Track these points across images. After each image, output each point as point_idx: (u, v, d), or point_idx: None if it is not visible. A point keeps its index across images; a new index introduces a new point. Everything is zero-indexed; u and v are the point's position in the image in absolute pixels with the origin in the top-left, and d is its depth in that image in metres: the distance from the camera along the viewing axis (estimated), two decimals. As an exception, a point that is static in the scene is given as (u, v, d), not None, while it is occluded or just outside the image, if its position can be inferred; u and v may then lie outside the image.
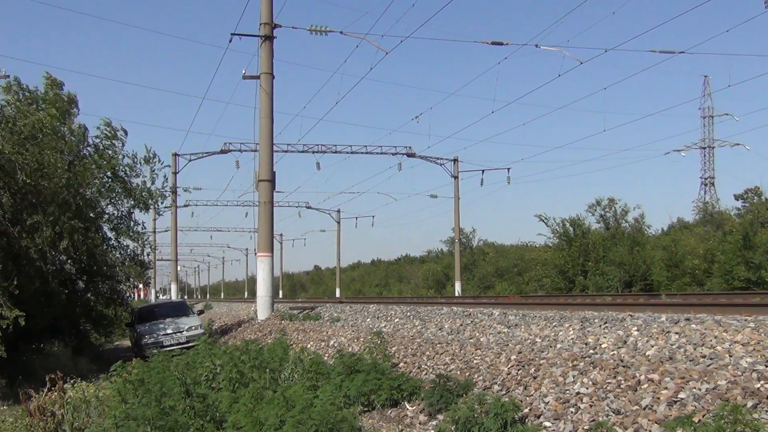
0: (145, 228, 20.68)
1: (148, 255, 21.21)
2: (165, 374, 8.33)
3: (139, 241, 19.69)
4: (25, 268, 13.41)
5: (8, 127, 12.70)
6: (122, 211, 18.93)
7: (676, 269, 31.14)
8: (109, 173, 17.96)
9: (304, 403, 6.01)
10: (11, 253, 12.87)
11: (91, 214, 17.09)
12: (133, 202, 18.83)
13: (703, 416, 4.53)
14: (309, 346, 12.23)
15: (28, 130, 13.11)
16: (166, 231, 44.24)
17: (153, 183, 18.93)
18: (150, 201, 19.07)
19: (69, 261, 17.07)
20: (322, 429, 5.48)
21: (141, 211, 19.46)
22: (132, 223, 19.19)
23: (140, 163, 18.55)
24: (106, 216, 18.69)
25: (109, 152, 17.91)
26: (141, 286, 36.28)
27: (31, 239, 13.25)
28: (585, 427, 5.13)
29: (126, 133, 18.24)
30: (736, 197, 36.25)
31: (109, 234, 18.90)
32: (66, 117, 16.84)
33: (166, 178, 20.70)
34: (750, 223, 28.74)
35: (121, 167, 18.29)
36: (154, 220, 41.13)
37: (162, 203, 20.46)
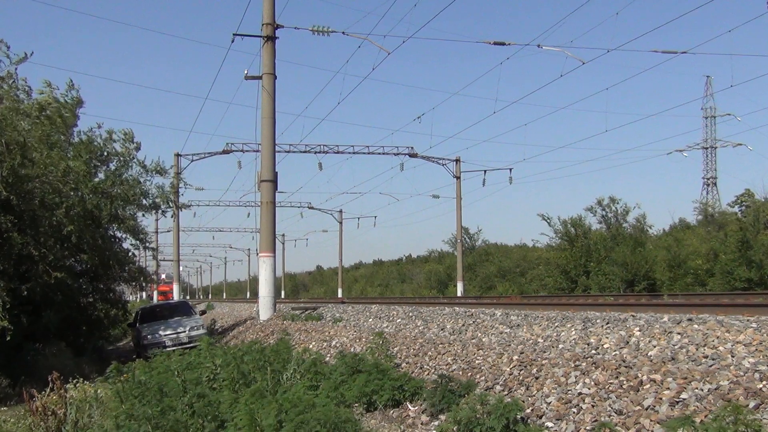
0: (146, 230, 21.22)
1: (147, 259, 21.59)
2: (166, 374, 8.34)
3: (144, 242, 20.21)
4: (30, 269, 13.37)
5: None
6: (132, 216, 19.45)
7: (678, 269, 31.13)
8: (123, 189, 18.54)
9: (305, 403, 5.99)
10: (13, 254, 12.80)
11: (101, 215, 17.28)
12: (144, 208, 19.40)
13: (705, 416, 4.53)
14: (311, 346, 12.22)
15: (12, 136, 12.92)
16: (168, 231, 44.26)
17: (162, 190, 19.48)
18: (164, 205, 19.64)
19: (74, 260, 17.13)
20: (323, 429, 5.48)
21: (147, 215, 20.15)
22: (138, 225, 19.79)
23: (152, 174, 19.09)
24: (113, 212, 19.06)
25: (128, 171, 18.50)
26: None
27: (35, 240, 13.19)
28: (587, 428, 5.13)
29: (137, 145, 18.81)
30: (731, 205, 36.17)
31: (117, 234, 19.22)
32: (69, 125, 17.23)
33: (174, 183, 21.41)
34: (751, 224, 28.71)
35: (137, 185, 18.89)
36: (156, 220, 41.11)
37: (170, 207, 21.00)
